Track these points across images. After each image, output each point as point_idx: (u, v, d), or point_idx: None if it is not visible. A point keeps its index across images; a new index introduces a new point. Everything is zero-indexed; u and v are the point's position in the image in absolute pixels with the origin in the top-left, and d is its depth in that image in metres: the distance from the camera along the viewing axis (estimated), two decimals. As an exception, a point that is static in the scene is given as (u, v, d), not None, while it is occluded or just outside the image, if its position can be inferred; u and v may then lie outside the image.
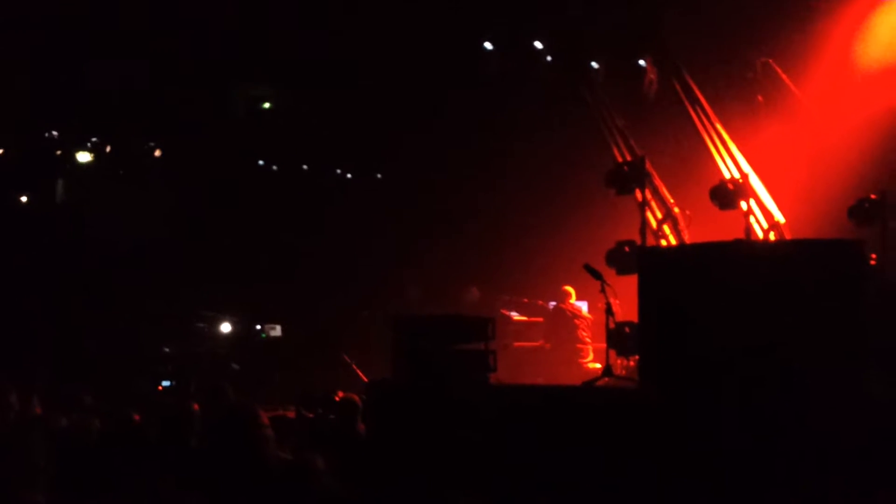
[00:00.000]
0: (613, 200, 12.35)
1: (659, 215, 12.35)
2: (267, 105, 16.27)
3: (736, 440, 6.39)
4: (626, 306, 10.37)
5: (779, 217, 11.31)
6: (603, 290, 9.40)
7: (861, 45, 11.66)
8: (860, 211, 10.03)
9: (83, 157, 16.08)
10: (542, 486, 6.81)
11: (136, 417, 6.56)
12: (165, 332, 15.29)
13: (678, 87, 12.51)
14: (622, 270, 11.09)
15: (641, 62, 13.35)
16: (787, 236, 11.14)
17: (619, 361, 10.60)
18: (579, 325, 13.91)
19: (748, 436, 6.38)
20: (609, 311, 9.33)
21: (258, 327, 15.87)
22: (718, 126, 11.98)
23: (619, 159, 12.59)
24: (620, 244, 11.52)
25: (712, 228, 11.44)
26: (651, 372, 7.42)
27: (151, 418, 6.99)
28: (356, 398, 8.46)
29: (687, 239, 12.08)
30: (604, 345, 9.98)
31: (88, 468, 5.77)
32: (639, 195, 11.76)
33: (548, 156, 15.01)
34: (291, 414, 9.26)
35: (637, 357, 9.34)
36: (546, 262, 14.88)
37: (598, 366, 11.55)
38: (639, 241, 11.40)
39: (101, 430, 6.38)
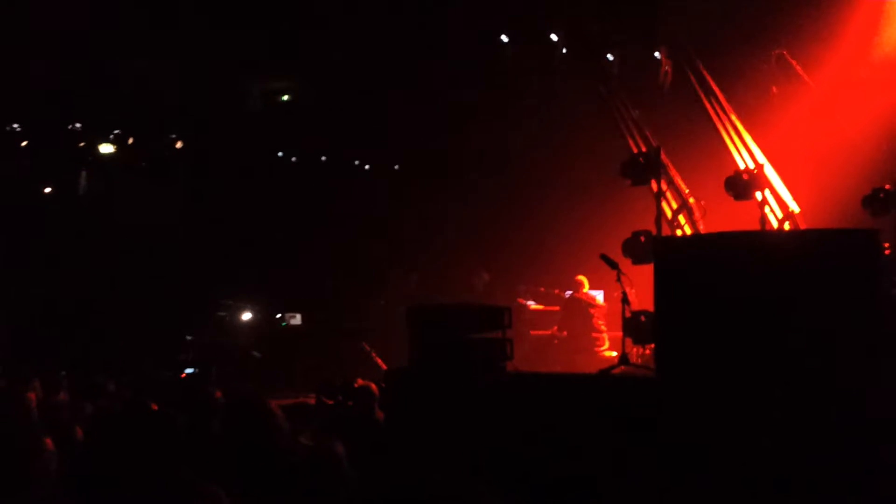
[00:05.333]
0: (629, 191, 12.43)
1: (674, 205, 12.41)
2: (286, 97, 16.41)
3: (750, 430, 6.45)
4: (642, 295, 10.49)
5: (793, 207, 11.34)
6: (619, 280, 9.50)
7: (876, 35, 11.67)
8: (875, 201, 10.08)
9: (106, 148, 16.25)
10: (557, 473, 6.89)
11: (154, 406, 6.65)
12: (188, 321, 15.46)
13: (693, 78, 12.54)
14: (638, 260, 11.19)
15: (657, 53, 13.41)
16: (802, 226, 11.17)
17: (634, 350, 10.69)
18: (594, 313, 14.00)
19: (762, 425, 6.44)
20: (625, 300, 9.44)
21: (278, 316, 16.00)
22: (733, 117, 12.01)
23: (635, 150, 12.63)
24: (636, 234, 11.61)
25: (727, 219, 11.49)
26: (667, 360, 7.49)
27: (174, 405, 7.12)
28: (373, 386, 8.56)
29: (702, 229, 12.12)
30: (620, 333, 10.07)
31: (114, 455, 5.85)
32: (654, 185, 11.82)
33: (563, 147, 15.07)
34: (311, 401, 9.37)
35: (653, 345, 9.41)
36: (562, 252, 14.96)
37: (614, 354, 11.65)
38: (654, 231, 11.47)
39: (121, 419, 6.46)
